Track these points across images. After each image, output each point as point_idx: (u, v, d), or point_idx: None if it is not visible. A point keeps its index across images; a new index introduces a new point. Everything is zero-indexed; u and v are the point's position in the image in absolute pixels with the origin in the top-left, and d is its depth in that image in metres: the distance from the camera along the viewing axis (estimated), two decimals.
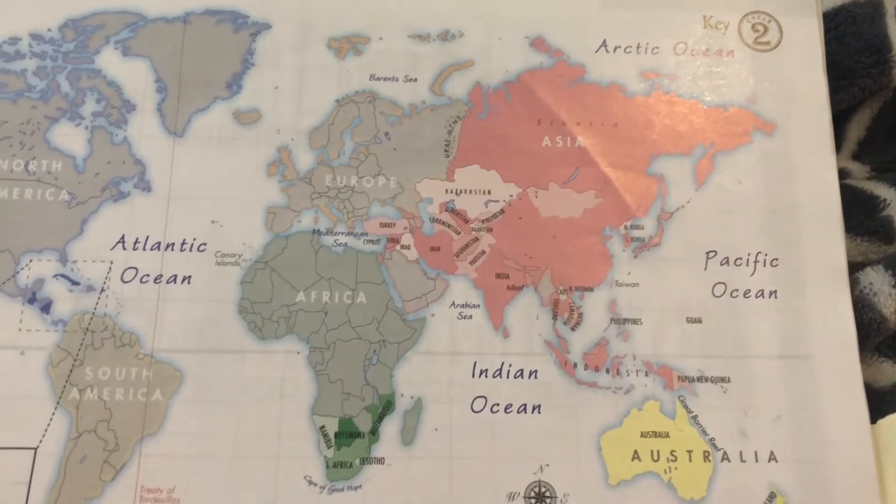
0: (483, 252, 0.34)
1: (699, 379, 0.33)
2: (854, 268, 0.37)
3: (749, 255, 0.35)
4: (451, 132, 0.36)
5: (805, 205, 0.35)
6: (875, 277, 0.36)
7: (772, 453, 0.33)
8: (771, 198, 0.35)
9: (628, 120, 0.36)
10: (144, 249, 0.33)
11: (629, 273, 0.34)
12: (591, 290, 0.34)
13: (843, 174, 0.41)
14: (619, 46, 0.37)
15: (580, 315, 0.34)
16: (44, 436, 0.31)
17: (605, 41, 0.37)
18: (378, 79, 0.36)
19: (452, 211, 0.35)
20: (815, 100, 0.37)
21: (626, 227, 0.35)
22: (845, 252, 0.35)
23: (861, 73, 0.40)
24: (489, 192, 0.35)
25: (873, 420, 0.33)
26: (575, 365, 0.33)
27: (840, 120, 0.42)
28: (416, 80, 0.36)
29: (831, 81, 0.38)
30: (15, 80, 0.35)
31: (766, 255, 0.35)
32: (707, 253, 0.35)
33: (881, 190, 0.40)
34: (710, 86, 0.37)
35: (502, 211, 0.35)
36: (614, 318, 0.34)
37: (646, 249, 0.35)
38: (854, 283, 0.36)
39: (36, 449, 0.31)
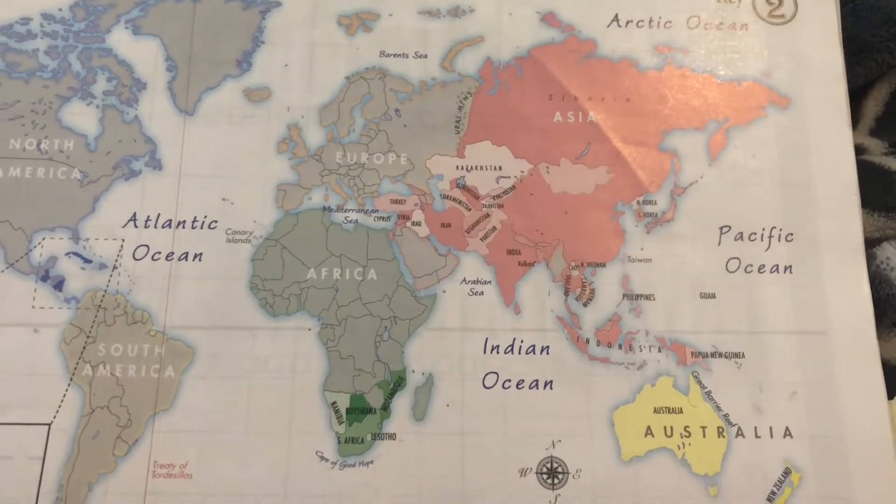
0: (494, 228, 0.34)
1: (713, 354, 0.33)
2: (871, 243, 0.36)
3: (763, 230, 0.34)
4: (462, 108, 0.35)
5: (821, 179, 0.35)
6: (892, 252, 0.35)
7: (787, 429, 0.32)
8: (786, 172, 0.35)
9: (641, 95, 0.36)
10: (156, 227, 0.34)
11: (642, 248, 0.34)
12: (604, 265, 0.34)
13: (860, 150, 0.41)
14: (631, 20, 0.37)
15: (592, 291, 0.34)
16: (57, 412, 0.31)
17: (616, 15, 0.37)
18: (388, 55, 0.36)
19: (463, 187, 0.35)
20: (831, 73, 0.36)
21: (638, 202, 0.35)
22: (862, 227, 0.35)
23: (878, 47, 0.40)
24: (500, 169, 0.35)
25: (890, 396, 0.33)
26: (587, 341, 0.33)
27: (857, 96, 0.42)
28: (426, 56, 0.36)
29: (848, 56, 0.37)
30: (27, 60, 0.35)
31: (780, 229, 0.34)
32: (721, 228, 0.34)
33: None
34: (724, 60, 0.36)
35: (513, 187, 0.35)
36: (627, 293, 0.34)
37: (658, 225, 0.34)
38: (871, 258, 0.35)
39: (50, 425, 0.31)
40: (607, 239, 0.34)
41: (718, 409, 0.32)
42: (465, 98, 0.36)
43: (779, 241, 0.34)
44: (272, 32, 0.36)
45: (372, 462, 0.31)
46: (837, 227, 0.34)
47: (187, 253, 0.33)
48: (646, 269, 0.34)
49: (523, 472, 0.31)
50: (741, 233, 0.34)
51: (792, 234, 0.34)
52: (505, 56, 0.36)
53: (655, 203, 0.35)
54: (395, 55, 0.36)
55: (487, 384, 0.32)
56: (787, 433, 0.32)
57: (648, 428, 0.32)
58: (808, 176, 0.35)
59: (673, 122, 0.35)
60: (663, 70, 0.36)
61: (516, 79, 0.36)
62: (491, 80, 0.36)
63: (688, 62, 0.36)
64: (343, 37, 0.36)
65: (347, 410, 0.32)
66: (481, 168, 0.35)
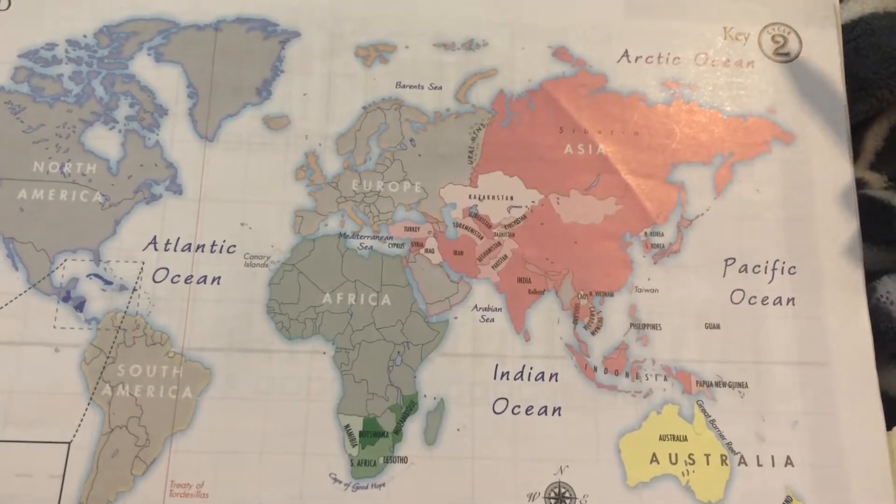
0: (505, 257, 0.35)
1: (717, 384, 0.34)
2: (871, 276, 0.37)
3: (767, 262, 0.35)
4: (475, 139, 0.36)
5: (823, 213, 0.36)
6: (892, 286, 0.36)
7: (788, 458, 0.33)
8: (789, 207, 0.36)
9: (649, 129, 0.37)
10: (176, 250, 0.34)
11: (649, 279, 0.35)
12: (612, 295, 0.35)
13: (860, 184, 0.42)
14: (641, 56, 0.38)
15: (600, 319, 0.34)
16: (77, 431, 0.32)
17: (626, 51, 0.38)
18: (404, 86, 0.37)
19: (476, 216, 0.35)
20: (834, 110, 0.37)
21: (646, 233, 0.35)
22: (863, 260, 0.36)
23: (879, 84, 0.41)
24: (512, 198, 0.36)
25: (889, 427, 0.34)
26: (595, 368, 0.34)
27: (858, 130, 0.43)
28: (441, 87, 0.37)
29: (849, 93, 0.39)
30: (52, 85, 0.36)
31: (784, 262, 0.35)
32: (726, 260, 0.35)
33: None
34: (731, 96, 0.38)
35: (524, 217, 0.35)
36: (634, 322, 0.34)
37: (665, 256, 0.35)
38: (871, 291, 0.36)
39: (70, 443, 0.32)
40: (615, 269, 0.35)
41: (722, 437, 0.33)
42: (479, 129, 0.37)
43: (782, 273, 0.35)
44: (291, 62, 0.37)
45: (384, 485, 0.32)
46: (839, 260, 0.35)
47: (206, 276, 0.34)
48: (653, 299, 0.35)
49: (532, 497, 0.32)
50: (745, 265, 0.35)
51: (795, 268, 0.35)
52: (517, 89, 0.37)
53: (663, 234, 0.35)
54: (410, 86, 0.37)
55: (497, 409, 0.33)
56: (789, 462, 0.33)
57: (654, 455, 0.33)
58: (811, 210, 0.36)
59: (680, 155, 0.37)
60: (671, 105, 0.37)
61: (528, 111, 0.37)
62: (503, 112, 0.37)
63: (695, 97, 0.37)
64: (360, 68, 0.37)
65: (360, 433, 0.33)
66: (493, 198, 0.36)
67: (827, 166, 0.37)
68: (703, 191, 0.36)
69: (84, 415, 0.32)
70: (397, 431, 0.33)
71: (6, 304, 0.33)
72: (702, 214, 0.36)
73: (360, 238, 0.35)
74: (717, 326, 0.34)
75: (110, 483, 0.31)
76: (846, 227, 0.36)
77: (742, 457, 0.33)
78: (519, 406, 0.33)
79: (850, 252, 0.36)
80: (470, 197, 0.36)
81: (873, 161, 0.44)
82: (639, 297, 0.35)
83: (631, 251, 0.35)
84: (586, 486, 0.32)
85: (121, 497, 0.31)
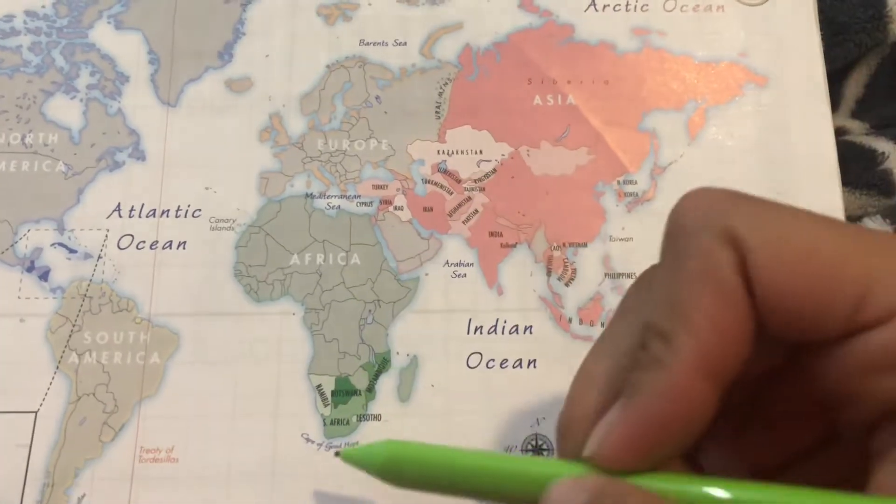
0: (476, 211, 0.34)
1: None
2: (852, 222, 0.36)
3: None
4: (442, 94, 0.36)
5: (800, 157, 0.35)
6: (873, 227, 0.35)
7: None
8: (765, 150, 0.35)
9: (619, 77, 0.36)
10: (140, 217, 0.34)
11: (623, 228, 0.34)
12: (585, 245, 0.34)
13: (841, 132, 0.41)
14: (608, 5, 0.37)
15: (574, 271, 0.34)
16: (44, 400, 0.31)
17: (593, 0, 0.37)
18: (368, 44, 0.36)
19: (444, 171, 0.35)
20: (808, 52, 0.37)
21: (618, 182, 0.35)
22: (843, 204, 0.35)
23: (856, 28, 0.40)
24: (481, 152, 0.35)
25: None
26: (570, 320, 0.33)
27: (837, 79, 0.42)
28: (405, 43, 0.36)
29: (826, 38, 0.38)
30: (11, 56, 0.36)
31: None
32: None
33: (880, 144, 0.39)
34: (701, 41, 0.37)
35: (494, 170, 0.35)
36: (608, 272, 0.34)
37: (639, 204, 0.35)
38: None
39: (36, 412, 0.31)
40: (588, 219, 0.34)
41: None
42: (445, 84, 0.36)
43: None
44: (253, 23, 0.36)
45: (357, 443, 0.31)
46: (818, 204, 0.35)
47: (171, 241, 0.34)
48: (627, 248, 0.34)
49: (508, 450, 0.32)
50: None
51: None
52: (483, 42, 0.37)
53: (636, 183, 0.35)
54: (374, 43, 0.36)
55: (472, 364, 0.33)
56: None
57: None
58: (788, 153, 0.35)
59: (651, 103, 0.36)
60: (641, 52, 0.37)
61: (495, 64, 0.36)
62: (470, 66, 0.36)
63: (665, 44, 0.37)
64: (323, 26, 0.37)
65: (333, 393, 0.32)
66: (462, 152, 0.35)
67: (803, 109, 0.36)
68: (675, 137, 0.35)
69: (51, 384, 0.32)
70: (370, 389, 0.32)
71: None
72: (675, 161, 0.35)
73: (328, 198, 0.34)
74: None
75: (78, 451, 0.31)
76: (825, 168, 0.35)
77: None
78: (493, 360, 0.33)
79: (830, 195, 0.35)
80: (438, 153, 0.35)
81: (854, 109, 0.43)
82: (612, 247, 0.34)
83: (604, 201, 0.35)
84: None
85: (89, 464, 0.31)
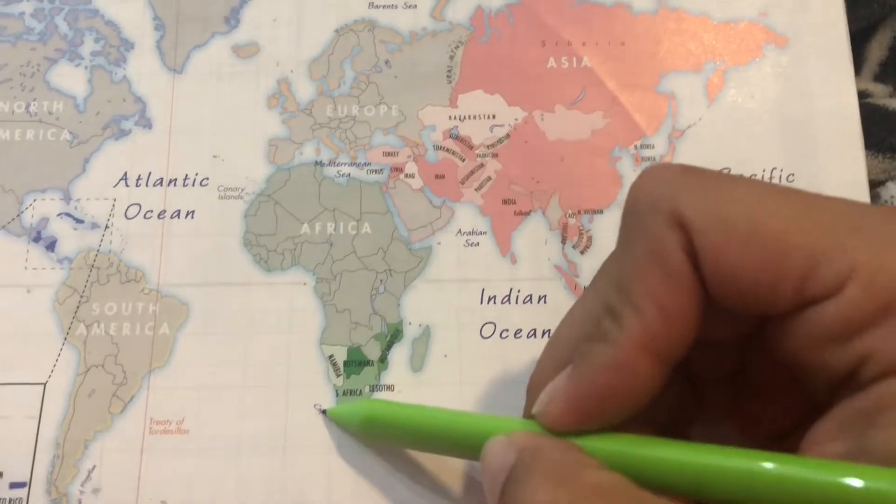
0: (489, 178, 0.34)
1: None
2: (875, 185, 0.35)
3: (764, 170, 0.34)
4: (453, 58, 0.35)
5: (822, 119, 0.34)
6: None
7: None
8: (786, 112, 0.34)
9: (635, 38, 0.35)
10: (147, 186, 0.33)
11: None
12: (601, 212, 0.33)
13: (864, 95, 0.40)
14: None
15: (590, 238, 0.33)
16: (52, 371, 0.31)
17: None
18: (377, 6, 0.35)
19: (456, 137, 0.34)
20: (831, 12, 0.35)
21: (635, 146, 0.34)
22: (865, 166, 0.34)
23: None
24: (494, 117, 0.34)
25: None
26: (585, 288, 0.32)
27: (860, 40, 0.41)
28: (415, 6, 0.35)
29: None
30: (13, 23, 0.35)
31: (781, 170, 0.34)
32: (721, 169, 0.33)
33: None
34: (719, 1, 0.36)
35: (508, 135, 0.34)
36: None
37: None
38: (874, 199, 0.34)
39: (45, 384, 0.31)
40: (605, 185, 0.34)
41: None
42: (457, 47, 0.35)
43: (779, 181, 0.33)
44: None
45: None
46: (840, 166, 0.34)
47: (179, 210, 0.33)
48: None
49: None
50: (741, 174, 0.33)
51: (793, 175, 0.34)
52: (496, 3, 0.36)
53: (653, 147, 0.34)
54: (384, 6, 0.35)
55: (485, 334, 0.32)
56: None
57: None
58: (809, 115, 0.34)
59: (669, 64, 0.35)
60: (657, 13, 0.35)
61: (508, 26, 0.35)
62: (482, 28, 0.35)
63: (682, 4, 0.36)
64: None
65: (345, 363, 0.31)
66: (474, 117, 0.34)
67: (825, 70, 0.35)
68: (694, 100, 0.34)
69: (59, 355, 0.31)
70: (382, 360, 0.32)
71: None
72: (694, 124, 0.34)
73: (338, 165, 0.34)
74: None
75: (88, 423, 0.30)
76: (847, 131, 0.34)
77: None
78: (507, 330, 0.32)
79: (852, 157, 0.34)
80: (450, 118, 0.34)
81: (877, 72, 0.41)
82: None
83: (620, 166, 0.34)
84: None
85: (99, 436, 0.30)
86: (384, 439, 0.29)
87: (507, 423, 0.24)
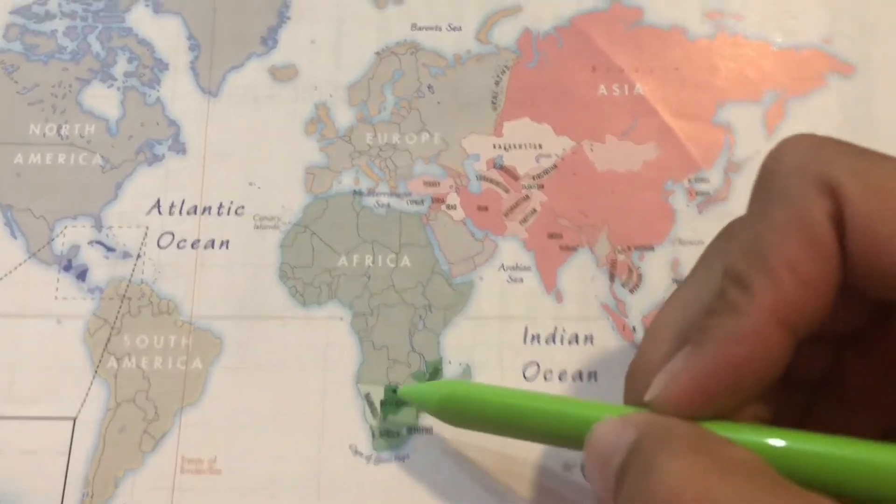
0: (534, 211, 0.32)
1: None
2: None
3: None
4: (499, 83, 0.33)
5: (887, 153, 0.32)
6: None
7: None
8: None
9: (691, 65, 0.33)
10: (181, 214, 0.32)
11: (693, 230, 0.32)
12: (652, 248, 0.32)
13: None
14: None
15: (640, 276, 0.31)
16: (82, 405, 0.30)
17: None
18: (420, 28, 0.34)
19: (501, 168, 0.33)
20: None
21: (689, 180, 0.32)
22: None
23: None
24: (540, 147, 0.33)
25: None
26: (634, 329, 0.31)
27: None
28: (460, 28, 0.34)
29: None
30: (46, 42, 0.34)
31: None
32: None
33: None
34: (781, 26, 0.34)
35: (555, 166, 0.33)
36: (676, 278, 0.31)
37: (712, 204, 0.32)
38: None
39: (75, 419, 0.30)
40: (656, 220, 0.32)
41: None
42: (503, 72, 0.34)
43: None
44: (298, 7, 0.34)
45: (408, 456, 0.30)
46: None
47: (213, 240, 0.32)
48: (697, 252, 0.31)
49: (567, 467, 0.30)
50: None
51: None
52: (544, 26, 0.34)
53: (708, 181, 0.32)
54: (427, 28, 0.34)
55: (528, 375, 0.31)
56: None
57: None
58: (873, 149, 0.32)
59: (726, 93, 0.33)
60: (715, 38, 0.34)
61: (557, 50, 0.34)
62: (529, 52, 0.34)
63: (741, 29, 0.34)
64: (372, 9, 0.34)
65: (382, 402, 0.30)
66: (520, 147, 0.33)
67: (891, 100, 0.33)
68: (752, 131, 0.33)
69: (89, 389, 0.30)
70: None
71: (6, 275, 0.32)
72: (751, 157, 0.32)
73: (377, 195, 0.32)
74: None
75: (118, 460, 0.30)
76: None
77: None
78: (551, 371, 0.31)
79: None
80: (494, 147, 0.33)
81: None
82: (682, 250, 0.32)
83: (673, 200, 0.32)
84: None
85: (129, 474, 0.29)
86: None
87: (615, 408, 0.22)
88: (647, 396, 0.21)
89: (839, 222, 0.19)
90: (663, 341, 0.22)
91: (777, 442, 0.19)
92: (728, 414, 0.20)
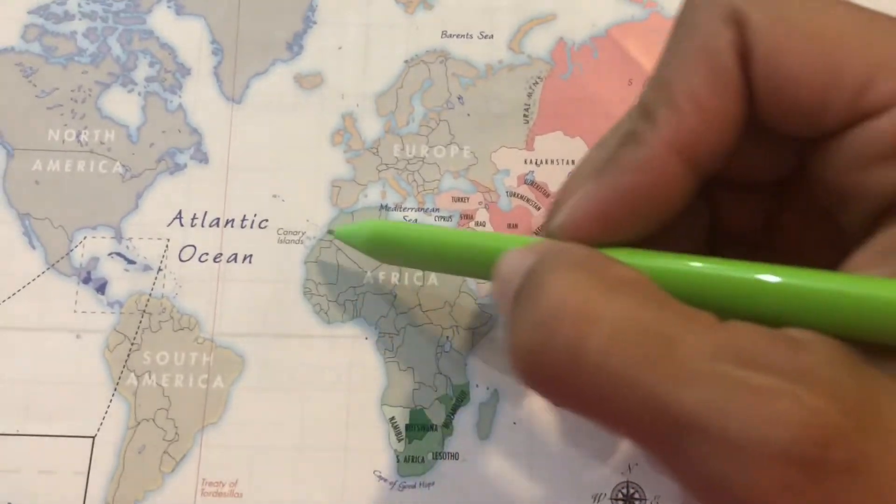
0: None
1: None
2: None
3: None
4: (532, 95, 0.32)
5: None
6: None
7: None
8: None
9: None
10: (203, 226, 0.31)
11: None
12: None
13: None
14: None
15: None
16: (101, 424, 0.30)
17: None
18: (451, 36, 0.33)
19: (532, 184, 0.32)
20: None
21: None
22: None
23: None
24: (573, 163, 0.32)
25: None
26: None
27: None
28: (492, 36, 0.33)
29: None
30: (65, 44, 0.33)
31: None
32: None
33: None
34: None
35: None
36: None
37: None
38: None
39: (94, 438, 0.29)
40: None
41: None
42: (535, 83, 0.32)
43: None
44: (325, 12, 0.33)
45: (433, 483, 0.29)
46: None
47: (236, 254, 0.31)
48: None
49: (597, 498, 0.29)
50: None
51: None
52: (579, 36, 0.33)
53: None
54: (458, 36, 0.33)
55: None
56: None
57: None
58: None
59: None
60: None
61: (592, 60, 0.33)
62: (563, 63, 0.33)
63: None
64: (402, 16, 0.33)
65: (407, 427, 0.30)
66: (553, 162, 0.32)
67: None
68: None
69: (108, 407, 0.30)
70: (447, 425, 0.30)
71: (24, 287, 0.31)
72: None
73: (404, 210, 0.31)
74: None
75: (138, 481, 0.29)
76: None
77: None
78: None
79: None
80: (526, 162, 0.32)
81: None
82: None
83: None
84: (657, 486, 0.29)
85: (149, 496, 0.29)
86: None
87: (524, 239, 0.22)
88: (553, 225, 0.21)
89: (745, 54, 0.19)
90: (582, 175, 0.22)
91: (669, 263, 0.19)
92: (635, 238, 0.20)
